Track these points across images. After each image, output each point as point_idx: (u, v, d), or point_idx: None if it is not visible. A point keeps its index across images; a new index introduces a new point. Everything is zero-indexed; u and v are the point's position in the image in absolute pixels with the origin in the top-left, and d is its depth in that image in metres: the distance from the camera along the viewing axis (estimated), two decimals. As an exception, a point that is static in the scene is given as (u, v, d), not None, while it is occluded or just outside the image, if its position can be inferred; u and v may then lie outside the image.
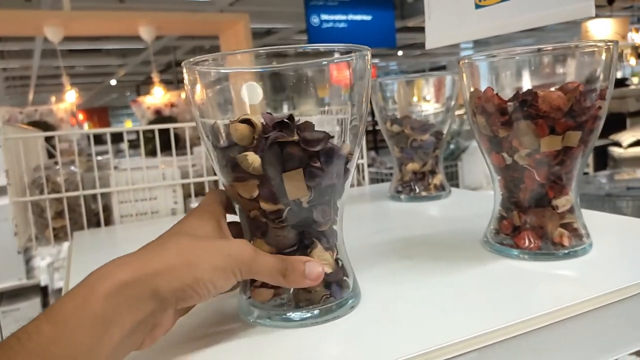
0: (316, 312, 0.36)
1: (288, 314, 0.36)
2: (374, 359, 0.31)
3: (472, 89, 0.46)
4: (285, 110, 0.35)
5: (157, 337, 0.31)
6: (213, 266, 0.31)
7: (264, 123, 0.34)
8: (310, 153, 0.34)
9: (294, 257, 0.35)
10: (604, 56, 0.42)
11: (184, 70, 0.36)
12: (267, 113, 0.34)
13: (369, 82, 0.38)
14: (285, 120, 0.33)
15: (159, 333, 0.31)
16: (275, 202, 0.35)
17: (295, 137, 0.33)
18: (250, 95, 0.35)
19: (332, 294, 0.37)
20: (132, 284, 0.28)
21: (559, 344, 0.35)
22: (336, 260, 0.38)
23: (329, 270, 0.37)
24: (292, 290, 0.36)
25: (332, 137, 0.35)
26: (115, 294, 0.28)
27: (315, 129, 0.35)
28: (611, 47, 0.42)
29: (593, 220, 0.51)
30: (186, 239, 0.32)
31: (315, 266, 0.35)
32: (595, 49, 0.42)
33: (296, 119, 0.34)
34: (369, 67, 0.38)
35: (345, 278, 0.39)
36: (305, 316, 0.36)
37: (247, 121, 0.33)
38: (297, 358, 0.32)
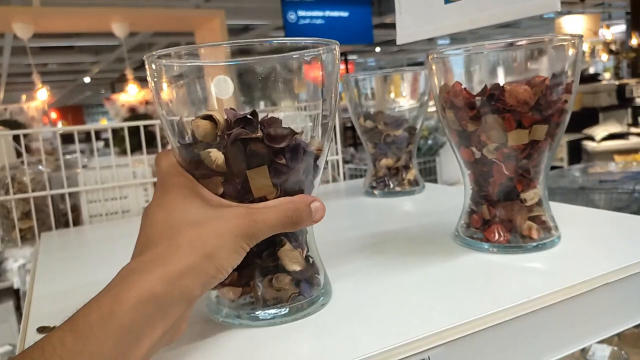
0: (285, 310, 0.36)
1: (257, 313, 0.36)
2: (344, 356, 0.30)
3: (441, 84, 0.46)
4: (262, 106, 0.34)
5: (183, 330, 0.32)
6: (228, 250, 0.31)
7: (227, 119, 0.33)
8: (275, 149, 0.33)
9: (298, 200, 0.34)
10: (570, 50, 0.43)
11: (147, 65, 0.35)
12: (231, 109, 0.33)
13: (338, 77, 0.38)
14: (249, 116, 0.33)
15: (185, 326, 0.32)
16: (240, 199, 0.34)
17: (259, 134, 0.33)
18: (221, 90, 0.34)
19: (301, 292, 0.36)
20: (161, 292, 0.28)
21: (528, 335, 0.36)
22: (306, 257, 0.38)
23: (297, 268, 0.36)
24: (260, 289, 0.36)
25: (299, 133, 0.34)
26: (144, 303, 0.27)
27: (285, 125, 0.34)
28: (577, 41, 0.43)
29: (562, 212, 0.52)
30: (190, 229, 0.31)
31: (317, 205, 0.35)
32: (563, 44, 0.43)
33: (264, 114, 0.34)
34: (337, 61, 0.37)
35: (316, 275, 0.38)
36: (274, 314, 0.35)
37: (209, 117, 0.33)
38: (266, 357, 0.32)
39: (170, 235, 0.31)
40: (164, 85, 0.35)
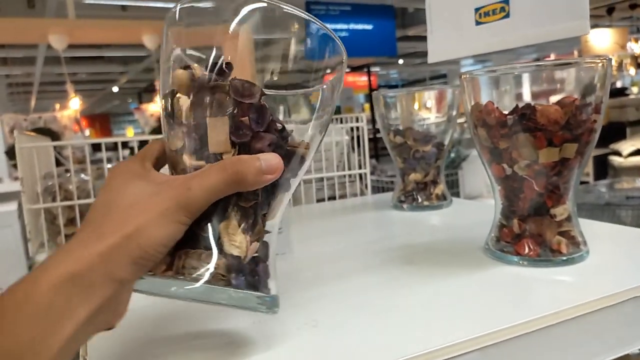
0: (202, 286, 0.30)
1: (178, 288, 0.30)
2: (377, 359, 0.32)
3: (473, 102, 0.48)
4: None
5: (123, 313, 0.31)
6: (156, 226, 0.29)
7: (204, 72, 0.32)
8: (240, 105, 0.31)
9: (240, 157, 0.31)
10: (599, 71, 0.44)
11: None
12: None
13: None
14: (224, 67, 0.31)
15: (124, 309, 0.31)
16: (197, 156, 0.32)
17: (226, 83, 0.31)
18: None
19: (229, 280, 0.31)
20: (81, 273, 0.27)
21: (557, 344, 0.37)
22: (255, 254, 0.33)
23: (236, 253, 0.31)
24: (182, 259, 0.31)
25: (265, 94, 0.32)
26: (63, 285, 0.26)
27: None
28: (606, 63, 0.44)
29: (591, 229, 0.53)
30: (121, 209, 0.30)
31: (270, 158, 0.31)
32: (592, 65, 0.45)
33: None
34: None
35: (257, 277, 0.32)
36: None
37: (187, 67, 0.32)
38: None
39: (101, 217, 0.30)
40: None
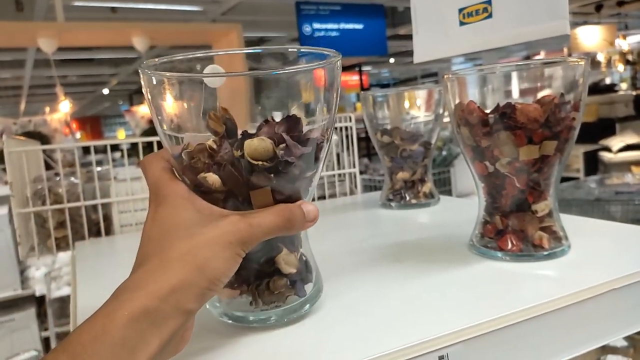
0: (280, 311, 0.38)
1: (250, 317, 0.38)
2: (368, 351, 0.33)
3: (456, 102, 0.49)
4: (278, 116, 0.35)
5: (188, 339, 0.33)
6: (221, 260, 0.31)
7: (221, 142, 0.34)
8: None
9: (288, 206, 0.35)
10: (577, 71, 0.45)
11: (144, 77, 0.35)
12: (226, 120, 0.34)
13: (338, 89, 0.38)
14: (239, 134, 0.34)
15: (189, 335, 0.33)
16: (238, 209, 0.35)
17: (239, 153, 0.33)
18: (212, 79, 0.34)
19: (296, 293, 0.38)
20: (153, 308, 0.28)
21: (539, 336, 0.38)
22: (300, 256, 0.39)
23: (293, 270, 0.38)
24: (257, 293, 0.37)
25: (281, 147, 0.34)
26: (137, 320, 0.28)
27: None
28: (584, 62, 0.45)
29: (574, 224, 0.54)
30: (182, 241, 0.31)
31: (310, 207, 0.36)
32: (570, 64, 0.46)
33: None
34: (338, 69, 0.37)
35: (308, 274, 0.40)
36: (270, 316, 0.38)
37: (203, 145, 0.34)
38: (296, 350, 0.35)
39: (162, 249, 0.31)
40: (167, 98, 0.34)
